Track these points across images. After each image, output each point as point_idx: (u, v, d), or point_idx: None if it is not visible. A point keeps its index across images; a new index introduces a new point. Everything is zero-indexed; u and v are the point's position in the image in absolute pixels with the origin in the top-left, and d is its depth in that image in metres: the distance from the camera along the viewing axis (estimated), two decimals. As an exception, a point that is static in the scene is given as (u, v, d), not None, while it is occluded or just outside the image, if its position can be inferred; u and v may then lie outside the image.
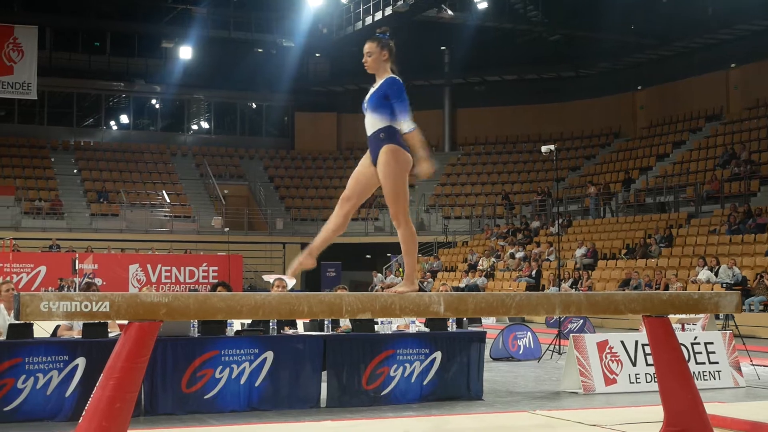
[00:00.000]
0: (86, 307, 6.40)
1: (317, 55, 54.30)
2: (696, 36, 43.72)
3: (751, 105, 42.42)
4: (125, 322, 6.79)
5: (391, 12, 42.35)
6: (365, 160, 8.03)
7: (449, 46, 51.83)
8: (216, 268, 40.06)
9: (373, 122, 8.00)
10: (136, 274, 38.64)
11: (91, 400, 6.61)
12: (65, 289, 33.19)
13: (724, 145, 39.89)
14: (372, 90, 8.18)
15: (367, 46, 8.19)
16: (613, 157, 46.92)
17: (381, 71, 8.23)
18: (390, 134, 7.88)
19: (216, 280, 28.12)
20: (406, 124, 7.81)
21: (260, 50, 52.79)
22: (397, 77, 8.17)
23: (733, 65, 43.93)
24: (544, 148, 24.21)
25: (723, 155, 38.74)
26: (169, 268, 39.66)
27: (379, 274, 41.28)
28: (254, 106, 58.30)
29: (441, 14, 43.01)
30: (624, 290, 28.24)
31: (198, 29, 48.18)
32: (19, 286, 35.47)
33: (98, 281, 34.65)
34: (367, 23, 44.56)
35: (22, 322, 7.80)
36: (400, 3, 41.32)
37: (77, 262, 35.74)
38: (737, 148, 38.54)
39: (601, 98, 50.06)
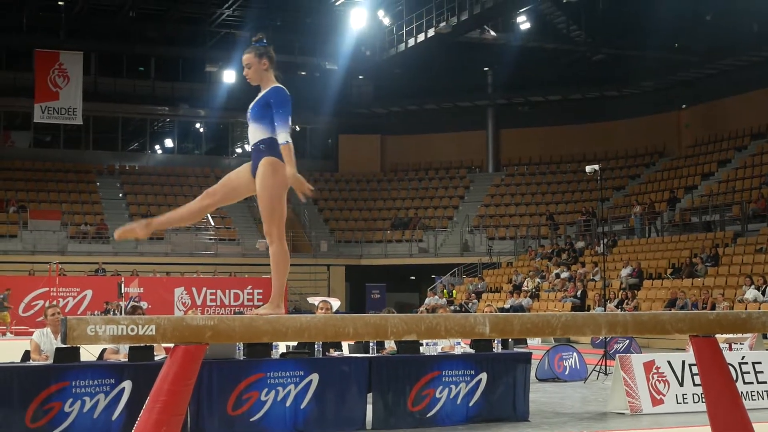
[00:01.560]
0: (132, 330, 6.42)
1: (360, 77, 54.45)
2: (741, 54, 43.46)
3: (797, 122, 42.20)
4: (171, 345, 6.81)
5: (433, 33, 42.44)
6: (245, 166, 7.76)
7: (492, 66, 51.81)
8: (261, 290, 40.11)
9: (254, 133, 7.67)
10: (182, 298, 38.81)
11: (137, 423, 6.63)
12: (111, 313, 33.38)
13: (770, 163, 39.67)
14: (255, 99, 7.79)
15: (245, 58, 7.80)
16: (658, 176, 46.70)
17: (265, 81, 7.80)
18: (271, 146, 7.63)
19: (261, 303, 28.20)
20: (282, 136, 7.58)
21: (303, 73, 52.98)
22: (282, 87, 7.81)
23: (778, 82, 43.68)
24: (588, 168, 24.15)
25: (769, 173, 38.51)
26: (214, 291, 39.80)
27: (435, 296, 41.13)
28: (298, 128, 58.39)
29: (484, 35, 43.06)
30: (670, 310, 28.09)
31: (241, 53, 47.77)
32: (66, 310, 35.71)
33: (144, 304, 34.82)
34: (410, 45, 44.69)
35: (69, 345, 7.85)
36: (442, 25, 41.39)
37: (123, 285, 35.97)
38: (784, 165, 38.33)
39: (646, 117, 49.85)
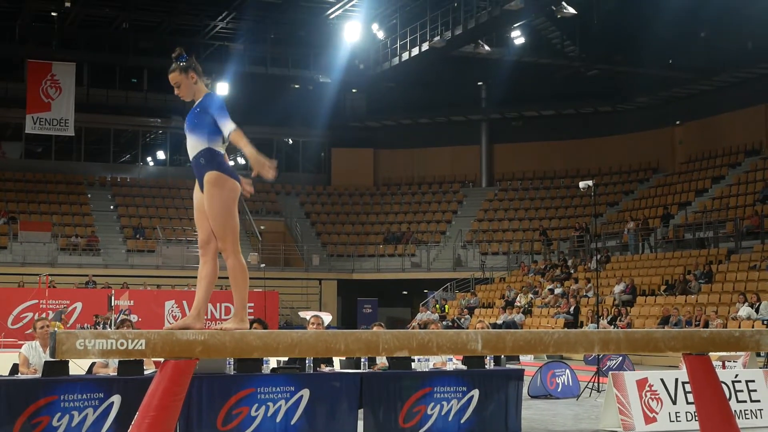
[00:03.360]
0: (122, 344, 6.41)
1: (354, 90, 54.48)
2: (735, 70, 43.56)
3: (791, 139, 42.31)
4: (161, 359, 6.79)
5: (428, 47, 42.47)
6: (197, 191, 7.65)
7: (486, 81, 51.92)
8: (252, 304, 39.93)
9: (192, 145, 7.53)
10: (172, 311, 38.65)
11: (126, 438, 6.61)
12: (101, 326, 33.29)
13: (764, 180, 39.68)
14: (190, 110, 7.71)
15: (171, 77, 7.73)
16: (652, 192, 46.74)
17: (197, 93, 7.75)
18: (209, 158, 7.49)
19: (252, 317, 28.15)
20: (227, 127, 7.44)
21: (297, 86, 53.00)
22: (215, 92, 7.73)
23: (772, 99, 43.76)
24: (582, 184, 24.18)
25: (763, 190, 38.53)
26: (204, 304, 39.60)
27: (428, 311, 41.12)
28: (291, 141, 58.47)
29: (478, 50, 43.06)
30: (663, 327, 28.10)
31: (235, 65, 48.35)
32: (56, 323, 35.62)
33: (134, 318, 34.76)
34: (404, 59, 44.70)
35: (57, 359, 7.82)
36: (437, 39, 41.42)
37: (113, 298, 35.85)
38: (777, 182, 38.37)
39: (640, 133, 49.92)
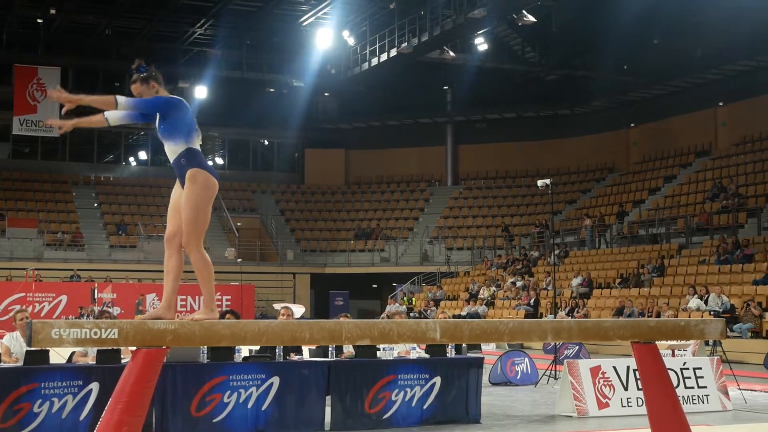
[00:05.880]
0: (96, 334, 6.36)
1: (326, 94, 54.41)
2: (686, 76, 43.82)
3: (738, 141, 42.46)
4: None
5: (396, 53, 42.45)
6: (176, 188, 7.58)
7: (451, 85, 51.99)
8: (229, 297, 39.93)
9: (171, 150, 7.49)
10: (153, 303, 38.50)
11: (99, 423, 6.56)
12: (85, 317, 33.16)
13: (713, 180, 39.86)
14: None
15: (133, 89, 7.58)
16: (608, 190, 46.89)
17: None
18: (190, 157, 7.44)
19: (227, 308, 28.07)
20: (120, 96, 7.39)
21: (272, 90, 52.87)
22: (174, 96, 7.63)
23: (720, 103, 43.94)
24: (540, 182, 24.19)
25: (712, 189, 38.69)
26: (184, 297, 39.44)
27: (396, 303, 41.08)
28: (266, 142, 58.38)
29: (443, 55, 43.10)
30: (618, 318, 28.15)
31: (213, 70, 48.20)
32: (42, 315, 35.57)
33: (117, 310, 34.61)
34: (373, 64, 44.65)
35: (36, 348, 7.76)
36: (404, 45, 41.39)
37: (96, 291, 35.71)
38: (725, 182, 38.52)
39: (596, 135, 50.10)
